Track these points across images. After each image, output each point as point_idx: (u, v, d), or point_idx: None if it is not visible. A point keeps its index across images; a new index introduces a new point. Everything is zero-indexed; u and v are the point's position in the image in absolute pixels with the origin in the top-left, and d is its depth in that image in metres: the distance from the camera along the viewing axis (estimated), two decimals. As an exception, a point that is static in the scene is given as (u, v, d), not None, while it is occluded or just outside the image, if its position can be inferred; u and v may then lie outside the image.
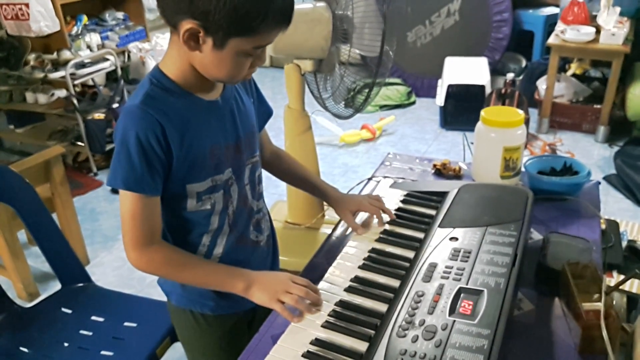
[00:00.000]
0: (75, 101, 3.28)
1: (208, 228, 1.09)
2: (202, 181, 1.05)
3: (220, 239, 1.12)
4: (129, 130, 0.95)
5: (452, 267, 1.01)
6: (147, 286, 2.46)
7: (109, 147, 3.44)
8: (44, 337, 1.56)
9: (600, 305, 0.94)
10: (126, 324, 1.58)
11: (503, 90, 3.52)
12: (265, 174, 1.26)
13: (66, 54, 3.39)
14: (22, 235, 2.60)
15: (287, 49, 1.89)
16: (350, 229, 1.29)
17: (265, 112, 1.24)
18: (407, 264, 1.10)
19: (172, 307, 1.22)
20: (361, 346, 0.92)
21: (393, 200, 1.37)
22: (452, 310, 0.90)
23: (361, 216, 1.31)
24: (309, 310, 1.01)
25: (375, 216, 1.27)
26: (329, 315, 1.00)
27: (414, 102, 4.42)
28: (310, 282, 1.06)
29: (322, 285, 1.08)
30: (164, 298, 1.26)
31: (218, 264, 1.10)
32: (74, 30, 3.66)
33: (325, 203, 1.37)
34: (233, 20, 0.87)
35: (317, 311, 1.02)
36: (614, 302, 1.52)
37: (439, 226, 1.16)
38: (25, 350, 1.51)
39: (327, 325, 0.98)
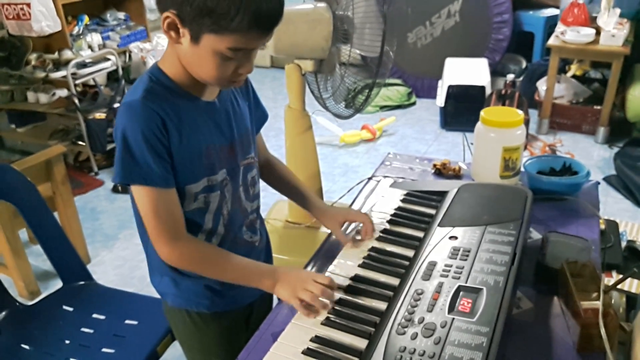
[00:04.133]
0: (76, 101, 3.28)
1: (202, 227, 1.10)
2: (198, 181, 1.05)
3: (215, 239, 1.13)
4: (133, 126, 0.96)
5: (451, 266, 1.01)
6: (147, 285, 2.45)
7: (110, 146, 3.45)
8: (45, 334, 1.56)
9: (598, 304, 0.95)
10: (127, 321, 1.59)
11: (503, 91, 3.53)
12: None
13: (67, 54, 3.40)
14: (24, 233, 2.61)
15: (287, 49, 1.90)
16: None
17: (261, 116, 1.24)
18: (407, 263, 1.11)
19: (168, 308, 1.22)
20: (361, 343, 0.93)
21: (393, 199, 1.37)
22: (452, 308, 0.91)
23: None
24: (323, 307, 1.01)
25: (362, 227, 1.24)
26: (328, 312, 1.01)
27: (414, 103, 4.43)
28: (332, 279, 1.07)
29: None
30: (164, 297, 1.26)
31: (245, 259, 1.10)
32: (75, 30, 3.67)
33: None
34: (203, 13, 0.88)
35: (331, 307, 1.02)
36: (613, 301, 1.53)
37: (439, 225, 1.16)
38: (26, 347, 1.52)
39: (327, 323, 0.99)
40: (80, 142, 3.46)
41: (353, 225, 1.30)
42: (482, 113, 1.44)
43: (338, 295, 1.05)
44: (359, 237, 1.24)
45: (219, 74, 0.96)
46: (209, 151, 1.05)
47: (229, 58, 0.94)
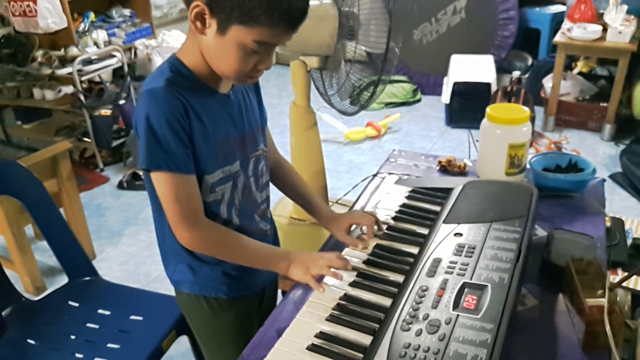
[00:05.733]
0: (82, 97, 3.29)
1: (217, 217, 1.11)
2: (214, 172, 1.07)
3: (231, 229, 1.13)
4: (157, 112, 0.97)
5: (456, 262, 1.01)
6: (152, 281, 2.47)
7: (115, 143, 3.46)
8: (51, 329, 1.57)
9: (603, 301, 0.94)
10: (132, 317, 1.59)
11: (509, 88, 3.51)
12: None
13: (73, 51, 3.41)
14: (30, 229, 2.62)
15: (293, 45, 1.90)
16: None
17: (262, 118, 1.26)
18: (412, 259, 1.11)
19: (183, 296, 1.22)
20: (365, 339, 0.93)
21: (398, 196, 1.37)
22: (456, 304, 0.91)
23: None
24: (334, 275, 1.07)
25: (367, 227, 1.25)
26: (333, 309, 1.01)
27: (419, 100, 4.42)
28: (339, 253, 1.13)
29: (327, 279, 1.09)
30: (169, 292, 1.27)
31: (260, 243, 1.14)
32: (81, 27, 3.68)
33: (330, 201, 1.37)
34: (235, 4, 0.89)
35: (347, 269, 1.09)
36: (618, 299, 1.52)
37: (444, 222, 1.16)
38: (32, 342, 1.53)
39: (331, 319, 0.99)
40: (85, 139, 3.47)
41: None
42: (487, 110, 1.44)
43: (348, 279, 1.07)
44: (364, 236, 1.24)
45: (240, 67, 0.98)
46: (223, 142, 1.07)
47: (252, 52, 0.95)
